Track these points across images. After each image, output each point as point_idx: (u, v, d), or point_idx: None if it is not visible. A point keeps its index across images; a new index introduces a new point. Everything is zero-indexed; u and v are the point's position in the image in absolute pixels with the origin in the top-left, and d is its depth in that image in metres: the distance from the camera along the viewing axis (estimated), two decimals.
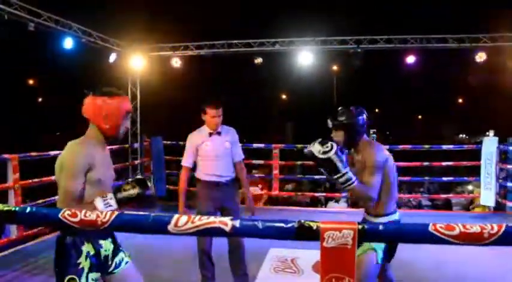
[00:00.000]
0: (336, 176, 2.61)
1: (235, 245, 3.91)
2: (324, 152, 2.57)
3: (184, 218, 1.45)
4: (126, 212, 1.55)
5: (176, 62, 9.00)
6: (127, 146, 8.47)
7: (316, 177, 9.81)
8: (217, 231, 1.43)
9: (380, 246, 2.74)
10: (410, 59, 8.48)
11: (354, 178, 2.64)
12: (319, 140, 2.65)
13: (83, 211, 1.53)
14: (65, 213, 1.52)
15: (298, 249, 4.86)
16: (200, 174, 3.95)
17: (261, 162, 8.50)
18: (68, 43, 7.10)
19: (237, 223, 1.42)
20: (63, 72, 17.96)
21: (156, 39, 9.24)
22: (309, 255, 4.69)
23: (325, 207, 9.39)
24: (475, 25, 9.61)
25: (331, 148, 2.57)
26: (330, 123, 2.95)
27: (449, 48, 8.25)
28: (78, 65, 14.79)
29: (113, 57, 8.37)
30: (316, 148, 2.60)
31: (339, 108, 2.98)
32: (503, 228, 1.39)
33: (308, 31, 8.82)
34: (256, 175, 9.38)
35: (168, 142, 8.49)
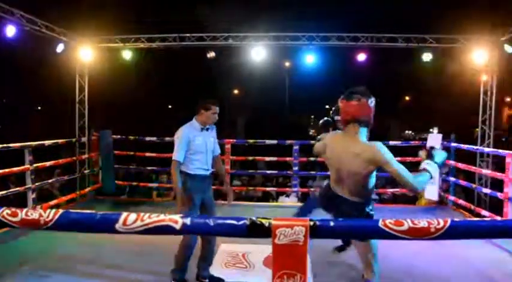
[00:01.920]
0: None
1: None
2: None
3: (133, 216, 1.41)
4: (71, 211, 1.49)
5: (127, 55, 8.77)
6: (74, 140, 8.17)
7: (268, 172, 9.88)
8: (168, 229, 1.39)
9: None
10: (361, 57, 8.68)
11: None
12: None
13: (24, 210, 1.45)
14: (3, 213, 1.43)
15: (249, 244, 4.87)
16: (190, 168, 4.05)
17: None
18: (10, 31, 6.73)
19: (188, 221, 1.39)
20: (4, 62, 17.10)
21: (105, 31, 8.95)
22: (260, 249, 4.72)
23: (277, 201, 9.45)
24: (422, 26, 9.94)
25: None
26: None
27: (398, 47, 8.51)
28: (21, 55, 14.12)
29: (60, 48, 8.05)
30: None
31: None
32: (448, 223, 1.44)
33: (261, 27, 8.82)
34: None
35: (118, 136, 8.27)
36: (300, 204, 8.25)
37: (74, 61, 8.75)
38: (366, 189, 2.87)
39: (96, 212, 1.43)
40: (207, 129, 4.14)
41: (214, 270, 4.38)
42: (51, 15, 8.02)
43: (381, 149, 2.69)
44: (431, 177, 2.77)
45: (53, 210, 1.45)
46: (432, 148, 2.96)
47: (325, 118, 4.31)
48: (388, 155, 2.69)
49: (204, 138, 4.10)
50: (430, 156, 2.85)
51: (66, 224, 1.44)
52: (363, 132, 2.83)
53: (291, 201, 8.99)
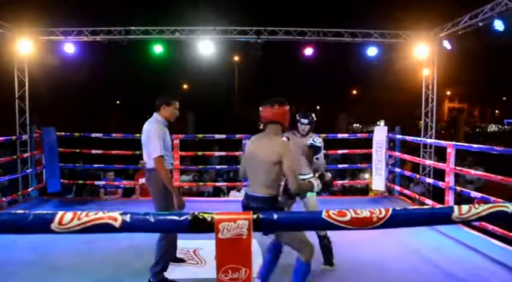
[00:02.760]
0: (318, 154, 4.23)
1: None
2: (320, 143, 4.24)
3: (69, 215, 1.34)
4: (1, 211, 1.39)
5: (69, 48, 8.45)
6: (14, 137, 7.79)
7: (218, 167, 9.83)
8: (107, 228, 1.34)
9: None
10: (308, 51, 8.80)
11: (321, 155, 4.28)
12: (316, 136, 4.29)
13: None
14: None
15: (200, 240, 4.83)
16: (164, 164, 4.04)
17: None
18: None
19: (127, 218, 1.34)
20: None
21: (46, 23, 8.58)
22: (211, 245, 4.60)
23: (228, 196, 9.43)
24: (367, 21, 10.18)
25: (321, 141, 4.27)
26: (304, 119, 4.35)
27: (344, 41, 8.67)
28: None
29: None
30: (318, 140, 4.23)
31: (305, 111, 4.45)
32: (390, 212, 1.47)
33: (208, 20, 8.75)
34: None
35: (62, 133, 7.95)
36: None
37: (11, 54, 8.32)
38: (276, 182, 3.27)
39: (29, 211, 1.35)
40: (167, 125, 4.18)
41: None
42: None
43: (288, 146, 3.31)
44: (311, 191, 3.51)
45: None
46: (322, 176, 3.75)
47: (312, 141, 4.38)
48: (290, 152, 3.24)
49: (167, 133, 4.13)
50: (321, 178, 3.62)
51: None
52: (277, 133, 3.33)
53: (242, 196, 9.00)
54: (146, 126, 4.08)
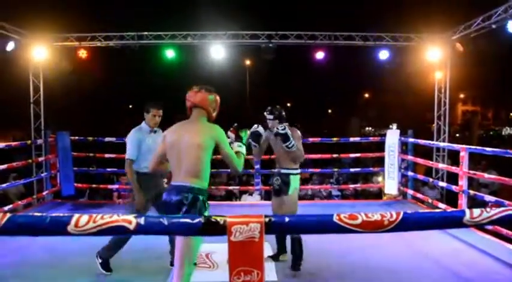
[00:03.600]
0: (288, 142, 4.17)
1: None
2: (283, 129, 4.19)
3: (85, 218, 1.37)
4: (19, 214, 1.43)
5: (83, 53, 8.55)
6: (29, 142, 7.90)
7: (230, 170, 9.84)
8: (121, 230, 1.36)
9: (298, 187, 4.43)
10: (320, 55, 8.80)
11: (295, 143, 4.21)
12: (283, 126, 4.23)
13: None
14: None
15: (213, 244, 4.82)
16: (141, 167, 4.30)
17: None
18: None
19: (142, 220, 1.37)
20: None
21: (60, 29, 8.70)
22: (223, 249, 4.64)
23: (240, 200, 9.46)
24: (379, 25, 10.17)
25: (285, 128, 4.21)
26: (269, 115, 4.39)
27: (355, 45, 8.66)
28: None
29: (10, 46, 7.76)
30: (281, 127, 4.20)
31: (271, 107, 4.43)
32: (401, 216, 1.47)
33: (220, 25, 8.80)
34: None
35: (76, 137, 8.05)
36: (262, 202, 8.29)
37: (27, 60, 8.46)
38: (204, 170, 3.01)
39: (47, 214, 1.38)
40: (155, 132, 4.44)
41: None
42: (1, 12, 7.72)
43: (222, 131, 3.09)
44: (244, 155, 3.20)
45: (0, 214, 1.39)
46: (238, 128, 3.37)
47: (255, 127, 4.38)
48: (221, 133, 3.07)
49: (154, 139, 4.33)
50: (237, 137, 3.29)
51: (14, 229, 1.38)
52: (203, 119, 3.14)
53: (254, 200, 9.02)
54: None
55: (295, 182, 4.39)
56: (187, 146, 2.97)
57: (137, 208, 4.23)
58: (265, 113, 4.44)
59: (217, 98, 3.21)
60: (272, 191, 4.61)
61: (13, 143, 7.09)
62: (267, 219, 1.38)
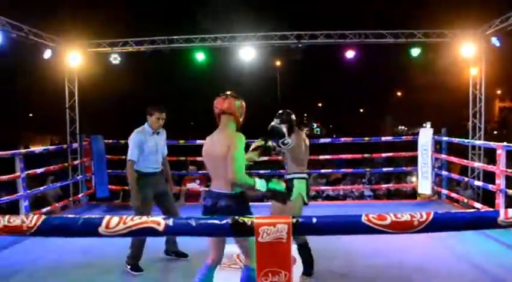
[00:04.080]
0: (283, 139, 3.96)
1: None
2: (275, 124, 4.12)
3: (115, 219, 1.40)
4: (53, 216, 1.48)
5: (115, 59, 8.74)
6: (65, 146, 8.13)
7: (261, 172, 9.86)
8: (151, 231, 1.39)
9: (304, 192, 4.12)
10: (350, 54, 8.71)
11: (291, 142, 4.01)
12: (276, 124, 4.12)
13: (6, 217, 1.44)
14: None
15: None
16: (142, 167, 4.52)
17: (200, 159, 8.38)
18: None
19: (170, 222, 1.39)
20: None
21: (93, 35, 8.93)
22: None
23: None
24: (410, 21, 9.99)
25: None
26: (276, 119, 4.21)
27: (386, 43, 8.53)
28: (9, 62, 14.02)
29: (47, 54, 8.02)
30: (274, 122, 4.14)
31: (280, 111, 4.29)
32: (431, 216, 1.44)
33: (249, 26, 8.84)
34: (194, 172, 9.17)
35: (110, 141, 8.23)
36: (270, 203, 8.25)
37: (62, 67, 8.72)
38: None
39: (79, 216, 1.42)
40: (158, 133, 4.62)
41: None
42: (38, 21, 7.99)
43: (237, 139, 3.10)
44: (253, 187, 3.10)
45: (36, 216, 1.44)
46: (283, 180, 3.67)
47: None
48: (238, 144, 3.06)
49: (156, 140, 4.59)
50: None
51: (49, 230, 1.43)
52: (232, 125, 3.22)
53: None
54: None
55: (299, 186, 4.12)
56: (214, 158, 3.14)
57: (135, 208, 4.41)
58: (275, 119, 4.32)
59: (243, 103, 3.29)
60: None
61: (50, 147, 7.32)
62: (294, 220, 1.38)
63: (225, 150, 3.04)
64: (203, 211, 3.17)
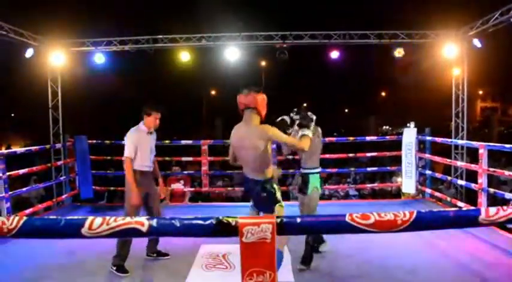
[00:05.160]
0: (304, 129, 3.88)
1: None
2: (285, 118, 4.05)
3: (98, 220, 1.38)
4: (35, 217, 1.45)
5: (99, 58, 8.66)
6: (48, 146, 8.02)
7: None
8: (134, 232, 1.38)
9: (320, 185, 4.46)
10: (335, 54, 8.76)
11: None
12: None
13: None
14: None
15: (229, 244, 4.86)
16: (137, 166, 4.60)
17: (190, 159, 8.38)
18: None
19: (154, 222, 1.38)
20: None
21: (77, 34, 8.83)
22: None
23: None
24: (393, 22, 10.07)
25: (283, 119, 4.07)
26: (295, 115, 4.13)
27: (370, 43, 8.59)
28: None
29: (29, 53, 7.91)
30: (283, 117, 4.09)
31: (296, 109, 4.23)
32: (414, 215, 1.46)
33: (234, 26, 8.83)
34: (178, 172, 9.13)
35: (94, 141, 8.14)
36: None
37: (44, 66, 8.60)
38: (265, 165, 3.50)
39: (61, 217, 1.40)
40: (151, 133, 4.71)
41: (195, 272, 4.37)
42: (19, 20, 7.87)
43: (268, 128, 3.45)
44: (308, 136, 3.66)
45: (17, 218, 1.42)
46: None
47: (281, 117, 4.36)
48: (274, 131, 3.46)
49: (149, 140, 4.69)
50: (301, 125, 3.79)
51: (31, 231, 1.41)
52: (255, 118, 3.50)
53: None
54: None
55: (314, 181, 4.45)
56: (247, 149, 3.46)
57: (132, 204, 4.44)
58: (291, 114, 4.41)
59: (265, 97, 3.54)
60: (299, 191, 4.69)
61: (33, 148, 7.20)
62: (278, 220, 1.38)
63: (259, 142, 3.39)
64: (245, 195, 3.82)
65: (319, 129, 4.55)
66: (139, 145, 4.55)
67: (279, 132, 3.48)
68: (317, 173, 4.49)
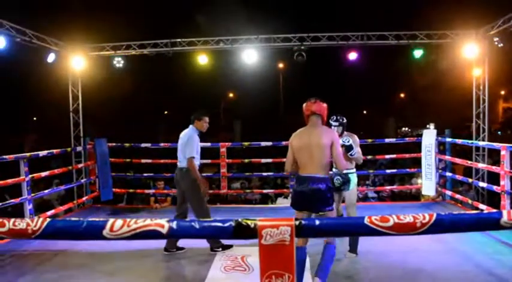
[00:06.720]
0: (351, 151, 4.59)
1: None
2: (348, 141, 4.55)
3: (119, 222, 1.41)
4: (58, 219, 1.49)
5: (118, 62, 8.78)
6: (69, 149, 8.16)
7: (264, 174, 9.87)
8: (154, 234, 1.40)
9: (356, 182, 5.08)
10: (352, 56, 8.71)
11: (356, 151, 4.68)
12: (345, 136, 4.65)
13: (12, 220, 1.45)
14: None
15: (248, 247, 4.87)
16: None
17: (208, 161, 8.41)
18: (0, 42, 6.75)
19: (174, 224, 1.39)
20: None
21: (96, 39, 8.97)
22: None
23: (275, 203, 9.45)
24: (412, 23, 9.97)
25: (349, 140, 4.58)
26: (334, 122, 4.91)
27: (388, 44, 8.52)
28: (13, 66, 14.06)
29: (51, 58, 8.06)
30: (346, 140, 4.56)
31: (338, 115, 4.97)
32: (434, 217, 1.44)
33: (252, 29, 8.85)
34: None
35: (113, 144, 8.24)
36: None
37: (65, 70, 8.76)
38: (328, 163, 3.81)
39: (83, 219, 1.43)
40: (199, 135, 5.20)
41: (214, 274, 4.39)
42: (41, 25, 8.03)
43: (335, 133, 3.98)
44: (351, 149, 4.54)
45: (40, 219, 1.45)
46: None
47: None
48: (337, 137, 3.86)
49: (198, 141, 5.17)
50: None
51: (54, 233, 1.44)
52: (320, 122, 3.90)
53: (289, 203, 8.98)
54: (184, 134, 5.18)
55: (353, 179, 4.97)
56: (316, 146, 3.74)
57: (204, 194, 5.04)
58: (330, 120, 4.92)
59: (326, 104, 3.97)
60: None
61: (54, 151, 7.32)
62: (297, 223, 1.38)
63: (328, 141, 3.74)
64: (293, 195, 3.97)
65: (356, 137, 5.00)
66: (197, 147, 5.07)
67: (338, 139, 3.91)
68: (354, 172, 5.06)
